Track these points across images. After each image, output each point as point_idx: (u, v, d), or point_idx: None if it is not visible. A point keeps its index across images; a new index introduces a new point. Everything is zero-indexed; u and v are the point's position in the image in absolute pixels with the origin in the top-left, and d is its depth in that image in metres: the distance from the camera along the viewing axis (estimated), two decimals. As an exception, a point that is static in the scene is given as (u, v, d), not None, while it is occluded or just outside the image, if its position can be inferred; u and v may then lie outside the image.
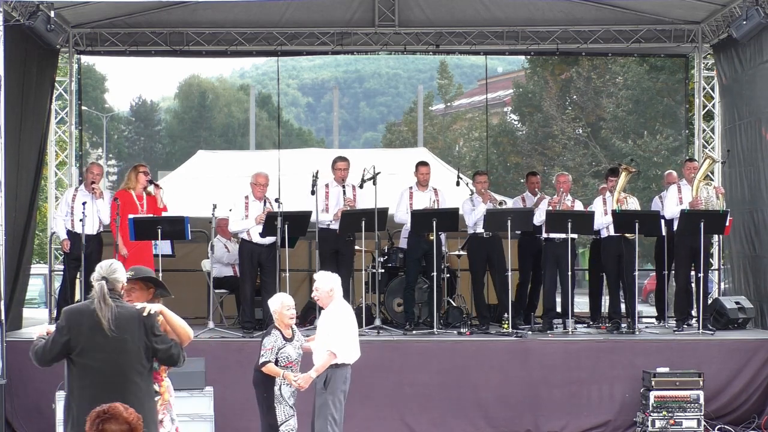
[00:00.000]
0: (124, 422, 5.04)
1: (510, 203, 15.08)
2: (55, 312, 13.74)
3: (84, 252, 12.42)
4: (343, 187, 13.17)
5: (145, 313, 6.50)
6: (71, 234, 13.08)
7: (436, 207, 13.26)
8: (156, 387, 6.82)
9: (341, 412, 9.19)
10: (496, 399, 11.95)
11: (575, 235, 13.23)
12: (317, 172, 13.04)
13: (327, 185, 13.17)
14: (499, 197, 13.88)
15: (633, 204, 13.45)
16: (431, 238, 13.13)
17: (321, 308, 9.63)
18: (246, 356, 11.87)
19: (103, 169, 15.01)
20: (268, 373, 9.08)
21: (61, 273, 13.86)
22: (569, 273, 13.05)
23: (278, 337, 9.13)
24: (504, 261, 13.34)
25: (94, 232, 13.02)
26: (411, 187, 13.62)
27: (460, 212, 13.37)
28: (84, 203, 12.64)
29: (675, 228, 13.21)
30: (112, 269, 6.60)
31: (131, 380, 6.43)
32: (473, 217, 13.37)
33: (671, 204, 13.43)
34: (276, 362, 9.09)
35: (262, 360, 9.10)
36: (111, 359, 6.40)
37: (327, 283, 9.27)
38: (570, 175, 14.49)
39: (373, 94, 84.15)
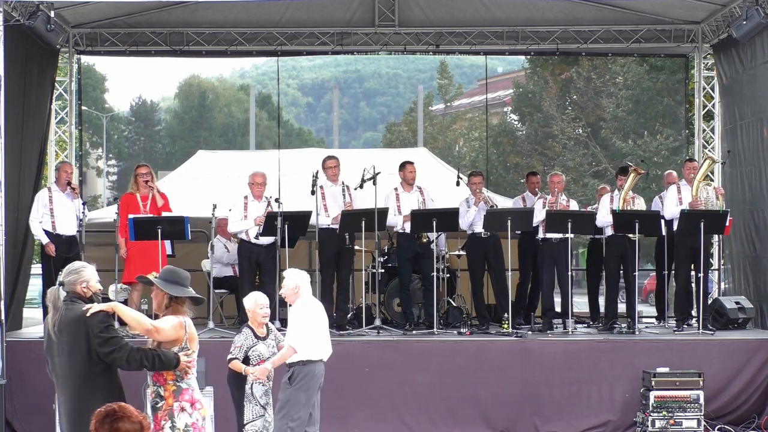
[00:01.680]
0: (137, 421, 5.05)
1: (510, 203, 15.09)
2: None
3: (70, 254, 12.39)
4: (342, 188, 13.18)
5: (88, 314, 6.55)
6: (52, 235, 12.82)
7: (423, 207, 13.25)
8: (161, 390, 6.80)
9: (307, 410, 9.11)
10: (495, 399, 11.95)
11: (572, 235, 13.23)
12: (317, 172, 13.04)
13: (321, 186, 13.15)
14: (492, 200, 13.82)
15: (640, 204, 13.45)
16: (425, 240, 13.14)
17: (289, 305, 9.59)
18: (246, 356, 11.88)
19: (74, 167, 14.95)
20: (235, 370, 9.18)
21: (40, 275, 13.54)
22: (568, 273, 13.05)
23: (249, 335, 9.25)
24: (502, 261, 13.34)
25: (74, 233, 12.96)
26: (396, 189, 13.60)
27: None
28: (64, 204, 12.64)
29: (675, 228, 13.21)
30: (70, 272, 6.79)
31: (86, 382, 6.56)
32: (467, 219, 13.36)
33: (671, 204, 13.44)
34: (247, 360, 9.15)
35: (229, 357, 9.20)
36: (61, 362, 6.62)
37: (293, 281, 9.25)
38: (563, 174, 14.46)
39: (373, 94, 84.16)
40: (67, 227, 12.82)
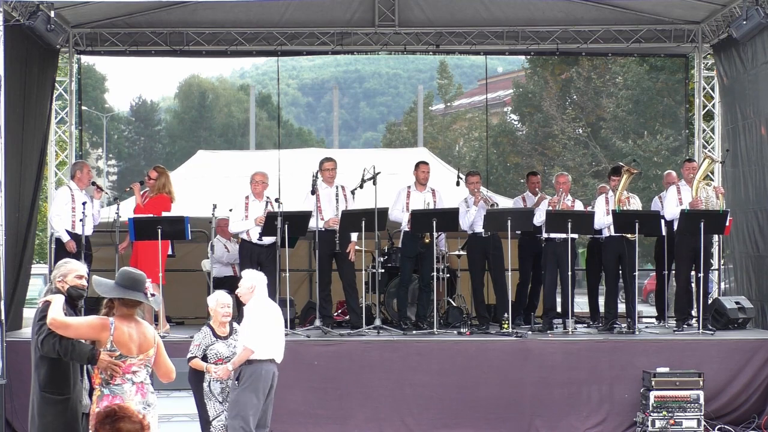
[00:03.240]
0: (137, 421, 5.06)
1: (511, 203, 15.09)
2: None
3: (86, 252, 12.44)
4: (336, 189, 13.18)
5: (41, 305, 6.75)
6: (70, 234, 12.94)
7: (430, 208, 13.26)
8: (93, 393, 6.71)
9: (257, 410, 9.12)
10: (496, 399, 11.95)
11: (575, 235, 13.23)
12: (317, 172, 13.04)
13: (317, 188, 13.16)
14: (491, 198, 13.84)
15: (635, 204, 13.45)
16: (427, 240, 13.14)
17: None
18: (246, 356, 11.88)
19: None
20: (195, 368, 9.28)
21: (40, 275, 13.60)
22: (569, 273, 13.06)
23: (208, 334, 9.34)
24: (502, 261, 13.34)
25: (91, 233, 12.99)
26: (409, 187, 13.62)
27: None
28: (84, 203, 12.65)
29: (675, 228, 13.21)
30: (56, 267, 6.96)
31: (35, 370, 6.77)
32: (467, 220, 13.37)
33: (671, 205, 13.43)
34: (206, 359, 9.23)
35: (189, 356, 9.29)
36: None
37: (248, 281, 9.33)
38: (569, 175, 14.48)
39: (373, 94, 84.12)
40: (87, 227, 12.78)
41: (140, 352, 6.59)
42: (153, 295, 6.72)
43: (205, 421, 9.33)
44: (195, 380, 9.36)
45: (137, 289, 6.62)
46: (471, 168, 38.85)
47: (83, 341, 6.63)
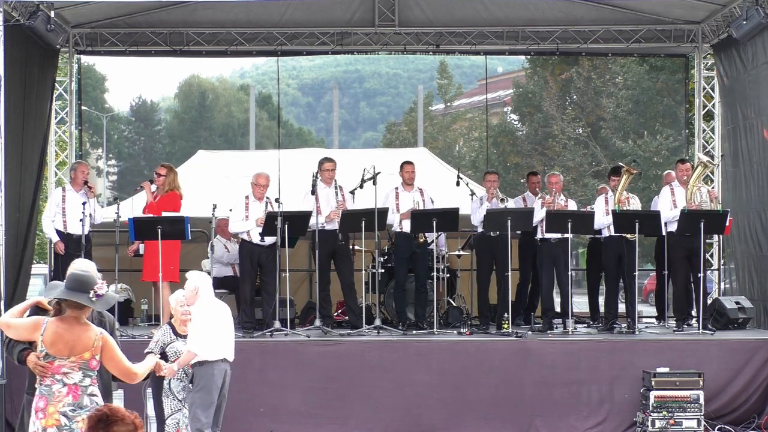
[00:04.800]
0: (129, 423, 5.03)
1: (511, 203, 15.09)
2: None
3: (84, 251, 12.43)
4: (336, 190, 13.18)
5: None
6: (63, 235, 12.95)
7: (420, 208, 13.25)
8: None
9: (211, 411, 9.14)
10: (496, 399, 11.94)
11: (571, 235, 13.22)
12: (317, 172, 13.04)
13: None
14: (506, 199, 13.89)
15: (635, 205, 13.44)
16: (421, 240, 13.14)
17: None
18: (246, 356, 11.86)
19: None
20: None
21: (40, 275, 13.60)
22: (568, 273, 13.05)
23: (168, 332, 9.37)
24: (507, 261, 13.34)
25: (87, 232, 13.00)
26: (397, 188, 13.61)
27: (460, 212, 13.36)
28: (84, 203, 12.66)
29: (667, 231, 13.18)
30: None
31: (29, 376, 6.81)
32: (479, 215, 13.39)
33: (664, 208, 13.38)
34: (165, 357, 9.25)
35: (146, 351, 9.26)
36: None
37: (192, 283, 9.32)
38: (561, 174, 14.46)
39: (373, 94, 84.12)
40: (78, 227, 12.82)
41: (71, 354, 6.46)
42: (100, 295, 6.53)
43: (161, 420, 9.38)
44: (153, 377, 9.31)
45: (83, 291, 6.49)
46: (471, 168, 39.04)
47: (21, 342, 6.67)
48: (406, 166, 13.67)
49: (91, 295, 6.47)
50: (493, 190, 13.53)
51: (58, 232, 12.97)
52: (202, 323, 9.17)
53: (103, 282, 6.63)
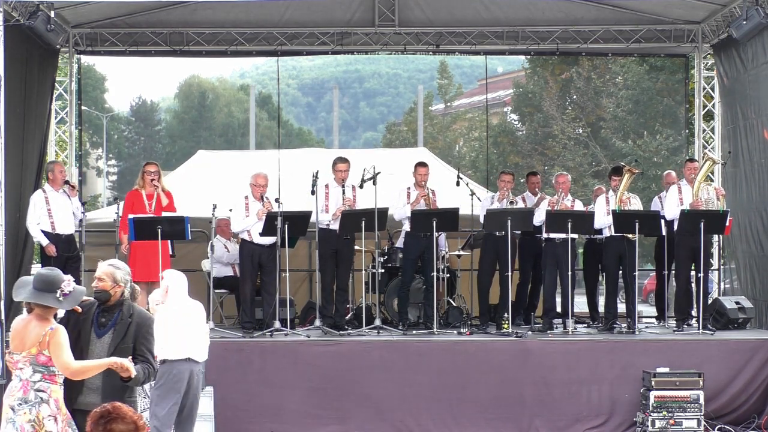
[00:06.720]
0: (131, 422, 5.04)
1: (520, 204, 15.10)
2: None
3: (71, 252, 12.44)
4: (343, 188, 13.17)
5: None
6: (51, 236, 12.81)
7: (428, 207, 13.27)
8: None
9: (173, 409, 9.12)
10: (496, 399, 11.94)
11: (575, 236, 13.23)
12: (317, 172, 13.04)
13: (327, 185, 13.17)
14: (517, 201, 13.94)
15: (635, 205, 13.45)
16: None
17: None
18: (246, 356, 11.90)
19: (67, 164, 15.06)
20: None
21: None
22: (569, 273, 13.05)
23: None
24: (509, 261, 13.34)
25: (73, 231, 12.97)
26: (409, 188, 13.62)
27: (461, 212, 13.37)
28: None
29: (675, 228, 13.21)
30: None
31: None
32: None
33: (672, 205, 13.42)
34: None
35: None
36: None
37: (164, 282, 9.39)
38: (569, 175, 14.49)
39: (373, 94, 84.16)
40: (66, 226, 12.85)
41: (23, 349, 6.59)
42: (68, 293, 6.60)
43: None
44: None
45: (50, 290, 6.59)
46: (471, 168, 39.04)
47: None
48: (420, 168, 13.64)
49: (57, 294, 6.59)
50: (506, 191, 13.55)
51: (47, 234, 12.79)
52: (164, 322, 9.09)
53: (70, 280, 6.71)
